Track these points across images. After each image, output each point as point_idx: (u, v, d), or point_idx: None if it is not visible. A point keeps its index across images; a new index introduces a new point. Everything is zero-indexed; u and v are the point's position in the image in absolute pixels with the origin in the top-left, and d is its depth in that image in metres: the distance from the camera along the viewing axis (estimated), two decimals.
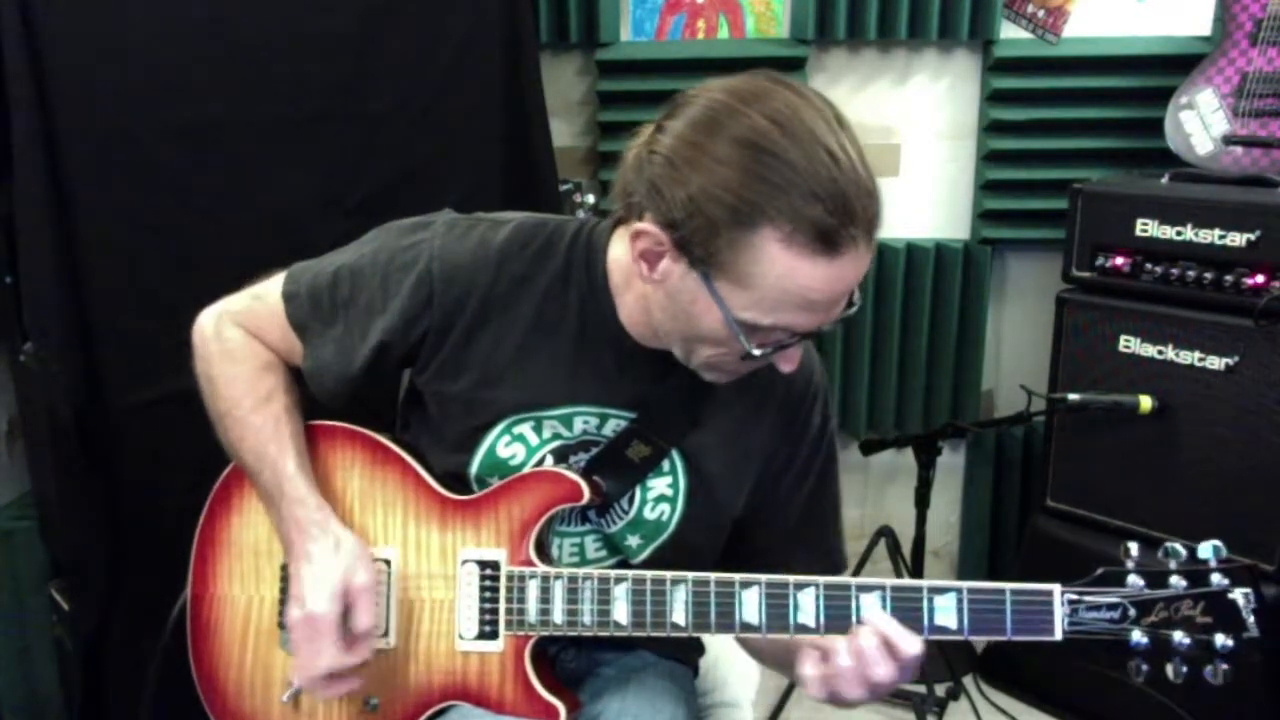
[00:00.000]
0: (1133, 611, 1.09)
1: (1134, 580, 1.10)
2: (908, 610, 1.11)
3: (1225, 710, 2.13)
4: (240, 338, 1.30)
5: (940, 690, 2.54)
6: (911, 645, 1.09)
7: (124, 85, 1.83)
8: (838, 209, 1.00)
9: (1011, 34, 2.67)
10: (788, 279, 1.03)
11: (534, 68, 2.11)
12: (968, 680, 2.64)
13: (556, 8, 2.69)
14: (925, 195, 2.84)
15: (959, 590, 1.11)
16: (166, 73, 1.84)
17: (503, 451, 1.25)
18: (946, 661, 2.60)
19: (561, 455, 1.26)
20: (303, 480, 1.24)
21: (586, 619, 1.19)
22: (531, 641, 1.23)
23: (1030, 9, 2.65)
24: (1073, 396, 2.27)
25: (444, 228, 1.25)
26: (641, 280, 1.14)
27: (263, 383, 1.29)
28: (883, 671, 1.08)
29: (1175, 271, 2.24)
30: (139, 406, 1.93)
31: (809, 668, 1.13)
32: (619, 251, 1.22)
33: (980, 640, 2.70)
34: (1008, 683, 2.63)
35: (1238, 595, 1.07)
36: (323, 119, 1.92)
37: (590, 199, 2.46)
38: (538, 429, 1.25)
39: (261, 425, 1.26)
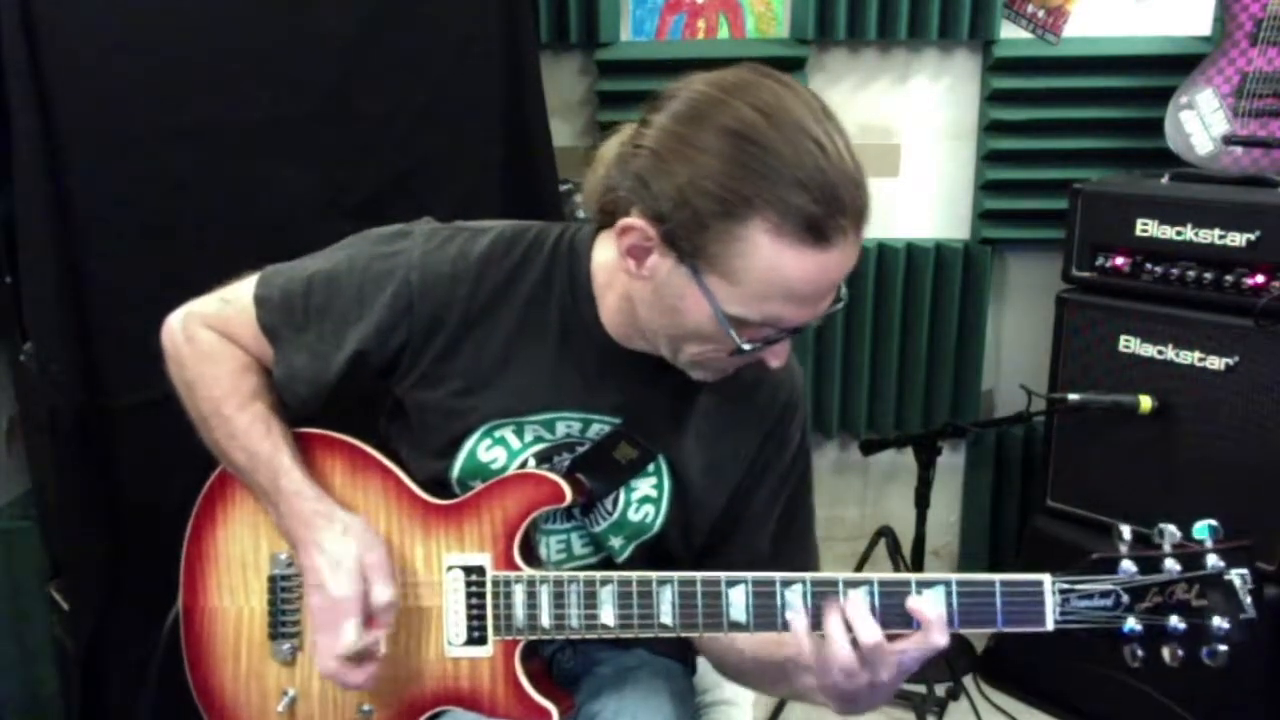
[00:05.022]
0: (1126, 598, 1.07)
1: (1127, 565, 1.08)
2: (895, 604, 1.10)
3: (1225, 710, 2.13)
4: (214, 339, 1.29)
5: (940, 690, 2.54)
6: (869, 634, 1.06)
7: (124, 85, 1.83)
8: (825, 198, 0.99)
9: (1011, 34, 2.67)
10: (776, 271, 1.01)
11: (534, 68, 2.11)
12: (968, 680, 2.63)
13: (556, 8, 2.69)
14: (925, 195, 2.84)
15: (947, 583, 1.09)
16: (167, 73, 1.84)
17: (484, 455, 1.24)
18: (946, 661, 2.59)
19: (545, 457, 1.25)
20: (299, 473, 1.24)
21: (574, 622, 1.19)
22: (521, 645, 1.22)
23: (1030, 9, 2.65)
24: (1073, 396, 2.27)
25: (423, 238, 1.23)
26: (629, 276, 1.12)
27: (245, 382, 1.28)
28: (845, 655, 1.06)
29: (1175, 271, 2.23)
30: (139, 406, 1.92)
31: (806, 676, 1.12)
32: (602, 255, 1.21)
33: (980, 639, 2.73)
34: (1008, 683, 2.63)
35: (1234, 576, 1.05)
36: (322, 119, 1.91)
37: None
38: (519, 432, 1.24)
39: (250, 423, 1.26)
